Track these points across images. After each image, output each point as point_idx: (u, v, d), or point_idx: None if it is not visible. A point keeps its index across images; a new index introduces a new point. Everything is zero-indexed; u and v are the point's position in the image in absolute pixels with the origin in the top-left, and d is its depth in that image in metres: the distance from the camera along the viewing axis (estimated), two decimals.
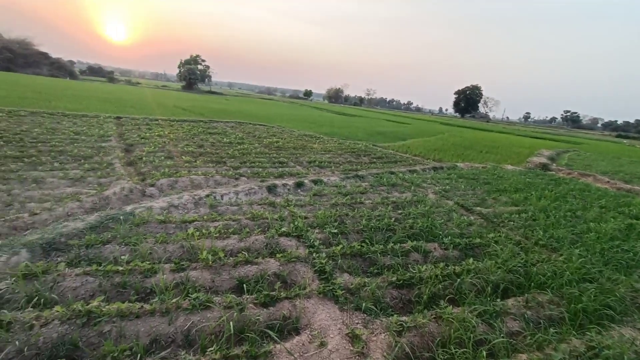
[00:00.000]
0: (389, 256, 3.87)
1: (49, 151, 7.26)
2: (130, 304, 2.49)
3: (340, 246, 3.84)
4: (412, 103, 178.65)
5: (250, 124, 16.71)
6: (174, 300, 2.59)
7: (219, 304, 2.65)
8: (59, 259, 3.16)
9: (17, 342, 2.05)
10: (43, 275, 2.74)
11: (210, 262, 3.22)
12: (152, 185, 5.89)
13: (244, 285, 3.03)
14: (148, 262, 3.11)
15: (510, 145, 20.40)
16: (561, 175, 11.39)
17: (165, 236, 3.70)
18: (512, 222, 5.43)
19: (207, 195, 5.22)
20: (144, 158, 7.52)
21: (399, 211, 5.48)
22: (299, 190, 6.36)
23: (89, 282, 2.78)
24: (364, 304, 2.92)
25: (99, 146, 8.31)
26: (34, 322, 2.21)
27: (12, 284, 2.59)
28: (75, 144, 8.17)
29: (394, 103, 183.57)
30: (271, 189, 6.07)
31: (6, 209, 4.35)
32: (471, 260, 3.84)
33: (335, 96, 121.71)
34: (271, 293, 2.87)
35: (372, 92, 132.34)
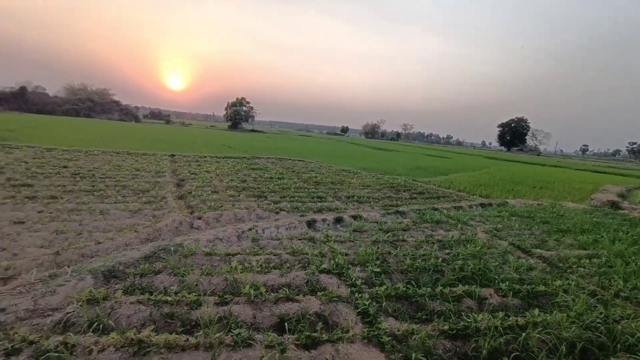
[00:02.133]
0: (438, 301, 3.55)
1: (114, 185, 8.12)
2: (177, 336, 2.53)
3: (384, 287, 3.63)
4: (451, 137, 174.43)
5: (289, 159, 17.38)
6: (217, 335, 2.58)
7: (261, 342, 2.58)
8: (116, 286, 3.38)
9: None
10: (103, 302, 2.93)
11: (252, 297, 3.21)
12: (199, 218, 6.22)
13: (285, 323, 2.95)
14: (194, 294, 3.19)
15: (568, 181, 18.62)
16: (636, 215, 9.98)
17: (211, 268, 3.81)
18: (582, 269, 4.77)
19: (250, 229, 5.37)
20: (192, 192, 8.07)
21: (446, 251, 5.11)
22: (338, 226, 6.28)
23: (141, 311, 2.90)
24: (413, 355, 2.65)
25: (155, 181, 9.12)
26: (92, 347, 2.33)
27: (78, 308, 2.79)
28: (135, 179, 9.06)
29: (433, 137, 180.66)
30: (310, 224, 6.07)
31: (77, 237, 4.84)
32: (537, 311, 3.37)
33: (372, 132, 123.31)
34: (313, 334, 2.75)
35: (409, 127, 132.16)
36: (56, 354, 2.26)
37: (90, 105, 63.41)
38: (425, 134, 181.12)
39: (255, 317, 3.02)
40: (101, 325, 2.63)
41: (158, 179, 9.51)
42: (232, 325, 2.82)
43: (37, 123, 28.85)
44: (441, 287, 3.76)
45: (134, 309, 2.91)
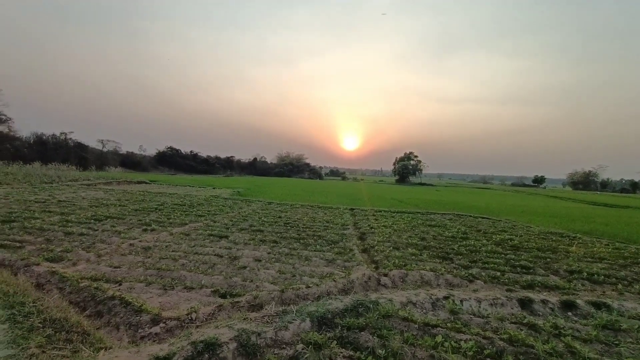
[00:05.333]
0: None
1: (312, 235, 9.63)
2: None
3: None
4: None
5: (470, 216, 15.40)
6: None
7: None
8: (327, 334, 3.68)
9: None
10: (322, 349, 3.22)
11: None
12: (386, 275, 6.21)
13: None
14: None
15: None
16: None
17: (412, 338, 3.54)
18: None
19: (445, 298, 4.79)
20: (375, 247, 8.34)
21: None
22: (570, 314, 4.60)
23: None
24: None
25: (342, 233, 10.17)
26: None
27: (304, 349, 3.18)
28: (327, 230, 10.44)
29: None
30: (525, 304, 4.76)
31: (292, 278, 5.88)
32: None
33: (584, 182, 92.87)
34: None
35: None
36: None
37: (291, 167, 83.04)
38: None
39: None
40: None
41: (344, 231, 10.58)
42: None
43: (261, 182, 40.16)
44: None
45: None
